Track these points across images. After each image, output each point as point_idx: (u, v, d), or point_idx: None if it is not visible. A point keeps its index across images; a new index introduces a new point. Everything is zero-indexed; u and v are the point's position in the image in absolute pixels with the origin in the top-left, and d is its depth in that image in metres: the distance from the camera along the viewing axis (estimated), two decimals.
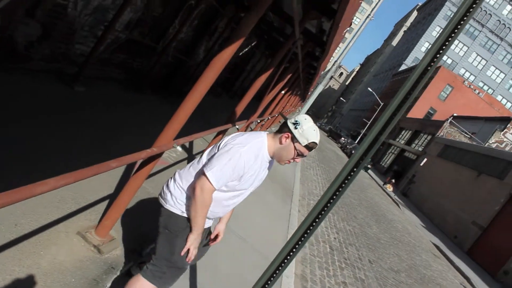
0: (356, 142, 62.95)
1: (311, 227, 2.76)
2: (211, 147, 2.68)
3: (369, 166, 44.91)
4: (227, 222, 3.06)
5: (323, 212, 2.76)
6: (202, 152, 2.93)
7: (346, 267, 8.44)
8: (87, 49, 7.40)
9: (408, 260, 13.37)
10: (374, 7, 21.09)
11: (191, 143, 8.67)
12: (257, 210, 7.62)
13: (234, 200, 2.74)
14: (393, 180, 38.09)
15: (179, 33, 10.40)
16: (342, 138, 57.10)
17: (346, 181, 2.80)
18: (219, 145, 2.60)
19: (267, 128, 19.97)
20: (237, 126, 7.36)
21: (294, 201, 10.28)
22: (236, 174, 2.50)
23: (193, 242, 2.58)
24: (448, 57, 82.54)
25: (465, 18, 2.88)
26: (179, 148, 3.64)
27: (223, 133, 6.94)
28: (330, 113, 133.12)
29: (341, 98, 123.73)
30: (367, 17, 20.66)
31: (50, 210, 3.63)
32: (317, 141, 2.62)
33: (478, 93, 67.16)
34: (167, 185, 2.71)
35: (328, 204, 2.78)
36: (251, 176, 2.60)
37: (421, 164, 35.48)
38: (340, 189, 2.78)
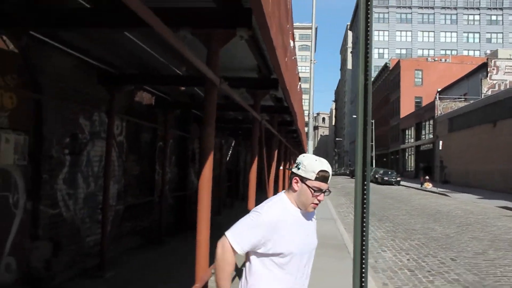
0: (373, 166, 62.51)
1: (363, 247, 2.86)
2: None
3: (398, 179, 44.29)
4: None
5: (364, 225, 2.87)
6: None
7: (434, 278, 8.19)
8: (97, 236, 7.66)
9: (486, 236, 12.96)
10: (310, 51, 22.12)
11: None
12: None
13: (292, 270, 2.51)
14: (427, 177, 37.47)
15: (166, 175, 10.79)
16: None
17: (365, 198, 2.95)
18: None
19: None
20: None
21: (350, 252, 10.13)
22: (260, 233, 2.41)
23: None
24: (400, 48, 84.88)
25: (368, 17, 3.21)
26: None
27: None
28: (336, 157, 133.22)
29: (336, 139, 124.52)
30: (310, 62, 21.57)
31: None
32: (324, 168, 2.50)
33: (445, 60, 68.36)
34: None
35: (364, 221, 2.91)
36: (289, 234, 2.47)
37: (440, 148, 35.18)
38: (365, 202, 2.92)
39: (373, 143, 68.87)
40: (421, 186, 37.14)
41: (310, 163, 2.50)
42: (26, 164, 6.02)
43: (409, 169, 61.34)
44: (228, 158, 19.47)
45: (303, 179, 2.50)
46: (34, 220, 6.17)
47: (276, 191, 16.65)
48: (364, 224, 2.92)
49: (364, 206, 2.90)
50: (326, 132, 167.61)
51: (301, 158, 2.57)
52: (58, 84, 6.60)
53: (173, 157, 12.03)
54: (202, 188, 3.78)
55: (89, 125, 7.67)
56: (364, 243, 2.89)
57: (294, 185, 2.53)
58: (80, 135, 7.39)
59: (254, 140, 7.78)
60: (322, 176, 2.48)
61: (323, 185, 2.50)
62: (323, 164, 2.51)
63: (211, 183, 3.84)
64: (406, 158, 64.09)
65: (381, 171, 47.76)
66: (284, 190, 2.68)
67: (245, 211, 7.04)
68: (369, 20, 3.18)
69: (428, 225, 15.47)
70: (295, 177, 2.53)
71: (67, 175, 6.96)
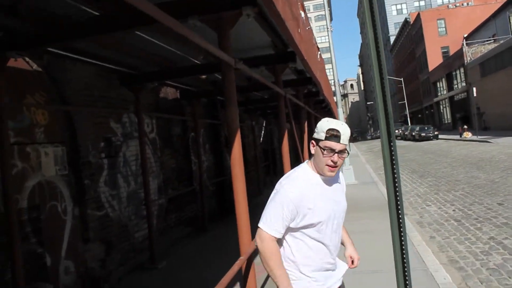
0: (408, 124, 61.51)
1: (398, 207, 2.91)
2: None
3: (436, 133, 43.46)
4: (351, 242, 2.90)
5: (396, 185, 2.92)
6: None
7: (482, 224, 8.13)
8: (145, 231, 7.96)
9: None
10: (326, 19, 21.81)
11: None
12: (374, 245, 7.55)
13: (324, 237, 2.54)
14: (466, 126, 36.62)
15: (202, 164, 11.01)
16: (396, 131, 55.93)
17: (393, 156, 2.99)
18: None
19: None
20: None
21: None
22: (288, 212, 2.42)
23: None
24: (418, 1, 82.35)
25: None
26: None
27: None
28: (370, 121, 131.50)
29: (367, 103, 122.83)
30: (327, 30, 21.29)
31: None
32: (332, 126, 2.44)
33: (467, 4, 65.96)
34: None
35: (396, 182, 2.95)
36: (315, 206, 2.47)
37: (475, 95, 34.23)
38: (394, 163, 2.96)
39: (406, 101, 67.74)
40: (460, 136, 36.37)
41: (321, 124, 2.48)
42: (68, 173, 6.30)
43: (446, 122, 60.01)
44: (261, 139, 19.59)
45: (317, 141, 2.48)
46: (84, 224, 6.48)
47: None
48: (396, 177, 2.95)
49: (393, 158, 2.92)
50: (357, 98, 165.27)
51: (318, 123, 2.56)
52: (83, 93, 6.84)
53: (207, 145, 12.23)
54: (234, 164, 3.89)
55: (121, 127, 7.91)
56: (398, 197, 2.93)
57: (312, 149, 2.52)
58: (113, 138, 7.64)
59: (282, 115, 7.85)
60: (332, 135, 2.42)
61: (334, 145, 2.43)
62: (332, 123, 2.46)
63: (242, 159, 3.96)
64: (441, 111, 62.65)
65: (417, 128, 46.98)
66: (307, 160, 2.66)
67: None
68: None
69: (472, 173, 15.22)
70: (311, 141, 2.52)
71: (107, 178, 7.24)
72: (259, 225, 2.46)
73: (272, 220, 2.43)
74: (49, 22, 4.90)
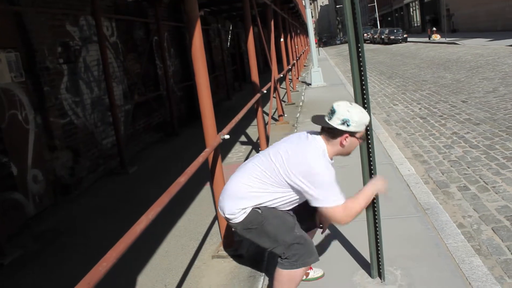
0: (378, 27, 60.91)
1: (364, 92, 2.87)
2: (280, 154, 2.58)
3: (405, 36, 43.30)
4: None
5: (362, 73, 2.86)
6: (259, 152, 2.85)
7: (446, 121, 8.33)
8: (113, 138, 7.86)
9: (497, 75, 12.90)
10: None
11: (239, 129, 9.04)
12: None
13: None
14: (434, 28, 36.49)
15: (168, 69, 10.71)
16: (365, 34, 55.31)
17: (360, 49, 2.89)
18: (299, 156, 2.52)
19: (299, 74, 19.93)
20: (264, 91, 7.52)
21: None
22: (336, 181, 2.49)
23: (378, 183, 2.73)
24: None
25: None
26: (227, 136, 3.86)
27: (258, 103, 7.13)
28: (339, 25, 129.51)
29: (337, 7, 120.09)
30: None
31: (181, 258, 3.99)
32: (368, 117, 2.59)
33: None
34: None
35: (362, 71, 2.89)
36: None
37: None
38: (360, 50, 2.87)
39: (375, 3, 66.50)
40: (429, 39, 36.37)
41: (361, 117, 2.51)
42: (25, 80, 6.01)
43: (415, 25, 59.64)
44: (229, 43, 19.10)
45: (352, 134, 2.53)
46: (48, 132, 6.31)
47: (280, 66, 16.52)
48: (363, 77, 2.87)
49: (360, 60, 2.83)
50: (326, 1, 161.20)
51: (347, 114, 2.47)
52: None
53: (172, 49, 11.83)
54: (196, 57, 3.71)
55: (78, 31, 7.48)
56: (365, 96, 2.87)
57: (343, 141, 2.53)
58: (71, 42, 7.24)
59: (247, 17, 7.52)
60: (368, 124, 2.63)
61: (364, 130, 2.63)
62: (366, 114, 2.58)
63: (204, 58, 3.78)
64: (411, 13, 61.97)
65: (387, 31, 46.61)
66: (321, 137, 2.59)
67: (253, 92, 7.09)
68: None
69: (438, 74, 15.40)
70: (345, 135, 2.51)
71: (68, 84, 6.96)
72: (332, 204, 2.45)
73: (337, 193, 2.46)
74: None
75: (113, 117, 7.57)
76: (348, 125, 2.47)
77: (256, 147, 7.84)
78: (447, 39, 32.13)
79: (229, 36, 19.34)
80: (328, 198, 2.44)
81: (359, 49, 2.83)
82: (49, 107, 6.38)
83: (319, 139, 2.58)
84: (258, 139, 7.60)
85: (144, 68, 9.92)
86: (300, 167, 2.47)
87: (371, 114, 2.78)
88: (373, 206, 2.95)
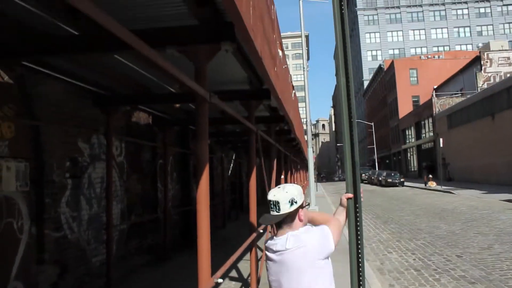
0: (376, 169, 62.44)
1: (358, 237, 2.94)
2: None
3: (401, 180, 44.21)
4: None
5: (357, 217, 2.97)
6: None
7: (441, 276, 8.22)
8: (104, 256, 7.74)
9: (492, 231, 12.96)
10: (303, 58, 22.25)
11: (234, 268, 8.82)
12: None
13: None
14: (430, 176, 37.43)
15: (168, 192, 10.88)
16: (363, 174, 56.57)
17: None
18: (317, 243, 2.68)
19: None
20: (261, 230, 7.55)
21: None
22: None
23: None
24: (393, 49, 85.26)
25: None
26: (220, 280, 3.85)
27: (253, 243, 7.11)
28: (339, 163, 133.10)
29: (337, 145, 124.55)
30: (303, 69, 21.69)
31: None
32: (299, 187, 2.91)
33: (439, 57, 68.60)
34: None
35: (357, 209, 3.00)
36: None
37: (441, 146, 35.20)
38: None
39: (375, 146, 69.02)
40: (425, 185, 37.08)
41: (296, 188, 2.78)
42: (29, 190, 6.12)
43: (412, 169, 61.28)
44: (230, 172, 19.55)
45: (302, 206, 2.74)
46: (40, 244, 6.26)
47: None
48: (358, 225, 3.00)
49: (357, 206, 2.98)
50: (327, 139, 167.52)
51: (288, 195, 2.68)
52: (54, 110, 6.73)
53: (175, 174, 12.12)
54: (200, 199, 3.88)
55: (88, 148, 7.79)
56: (359, 245, 2.96)
57: (301, 217, 2.73)
58: (80, 158, 7.50)
59: (252, 151, 7.86)
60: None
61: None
62: (294, 184, 3.00)
63: (208, 195, 3.93)
64: (409, 158, 64.05)
65: (384, 173, 47.67)
66: (289, 233, 2.69)
67: (250, 224, 7.14)
68: (343, 16, 3.24)
69: (434, 223, 15.48)
70: (299, 212, 2.72)
71: (69, 198, 7.07)
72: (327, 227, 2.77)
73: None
74: (27, 35, 4.86)
75: (107, 236, 7.55)
76: (295, 202, 2.68)
77: (246, 285, 7.67)
78: (443, 187, 32.79)
79: (232, 165, 19.88)
80: (332, 233, 2.73)
81: (356, 193, 2.99)
82: (46, 219, 6.41)
83: (287, 236, 2.67)
84: (249, 276, 7.46)
85: (145, 189, 10.10)
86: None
87: (365, 260, 2.91)
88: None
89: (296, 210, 2.68)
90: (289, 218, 2.68)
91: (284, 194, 2.66)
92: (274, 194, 2.68)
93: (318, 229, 2.71)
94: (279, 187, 2.75)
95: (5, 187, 5.63)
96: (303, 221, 2.75)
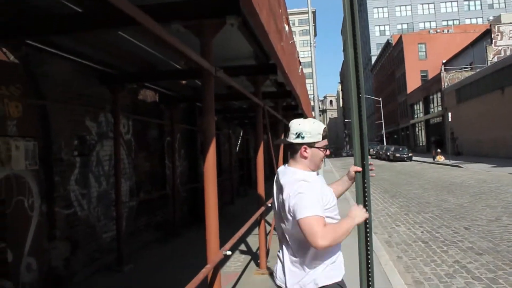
0: (384, 144, 62.30)
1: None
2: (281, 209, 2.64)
3: (410, 155, 44.11)
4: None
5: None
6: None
7: (448, 247, 8.26)
8: (114, 232, 7.85)
9: (500, 203, 12.96)
10: (309, 34, 22.00)
11: (243, 242, 8.91)
12: None
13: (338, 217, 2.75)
14: (439, 150, 37.31)
15: (176, 169, 10.94)
16: (371, 150, 56.47)
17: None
18: (286, 198, 2.55)
19: None
20: (269, 204, 7.59)
21: None
22: (319, 196, 2.53)
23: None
24: (401, 24, 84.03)
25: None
26: (229, 253, 3.89)
27: (262, 216, 7.17)
28: (347, 138, 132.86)
29: (345, 121, 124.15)
30: (310, 45, 21.49)
31: None
32: (323, 125, 2.71)
33: (448, 31, 67.55)
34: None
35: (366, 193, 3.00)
36: (325, 189, 2.70)
37: (450, 120, 34.97)
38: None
39: (383, 121, 68.70)
40: (434, 159, 37.01)
41: (312, 128, 2.65)
42: (38, 169, 6.18)
43: (421, 144, 61.06)
44: (238, 148, 19.60)
45: (312, 144, 2.65)
46: (51, 221, 6.36)
47: None
48: (366, 199, 2.99)
49: (365, 180, 2.97)
50: (335, 115, 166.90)
51: (298, 128, 2.65)
52: (60, 89, 6.74)
53: (182, 150, 12.17)
54: (208, 173, 3.89)
55: (96, 126, 7.82)
56: (367, 218, 2.97)
57: (303, 154, 2.65)
58: (88, 137, 7.54)
59: (259, 126, 7.85)
60: (325, 134, 2.71)
61: (326, 141, 2.72)
62: (320, 124, 2.71)
63: (215, 169, 3.95)
64: (417, 133, 63.75)
65: (392, 148, 47.61)
66: (283, 166, 2.80)
67: (258, 199, 7.18)
68: None
69: (442, 197, 15.49)
70: (303, 147, 2.64)
71: (78, 176, 7.13)
72: (307, 214, 2.41)
73: (314, 206, 2.45)
74: (31, 14, 4.84)
75: (117, 212, 7.63)
76: (302, 137, 2.63)
77: (255, 257, 7.75)
78: (451, 161, 32.71)
79: (239, 141, 19.91)
80: (304, 208, 2.42)
81: (364, 167, 2.99)
82: (56, 197, 6.49)
83: (290, 168, 2.70)
84: (258, 249, 7.54)
85: (153, 167, 10.16)
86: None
87: (373, 233, 2.86)
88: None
89: (300, 145, 2.64)
90: (292, 150, 2.70)
91: (297, 126, 2.67)
92: (292, 122, 2.72)
93: (300, 198, 2.46)
94: (304, 119, 2.74)
95: (14, 165, 5.69)
96: (309, 161, 2.67)
